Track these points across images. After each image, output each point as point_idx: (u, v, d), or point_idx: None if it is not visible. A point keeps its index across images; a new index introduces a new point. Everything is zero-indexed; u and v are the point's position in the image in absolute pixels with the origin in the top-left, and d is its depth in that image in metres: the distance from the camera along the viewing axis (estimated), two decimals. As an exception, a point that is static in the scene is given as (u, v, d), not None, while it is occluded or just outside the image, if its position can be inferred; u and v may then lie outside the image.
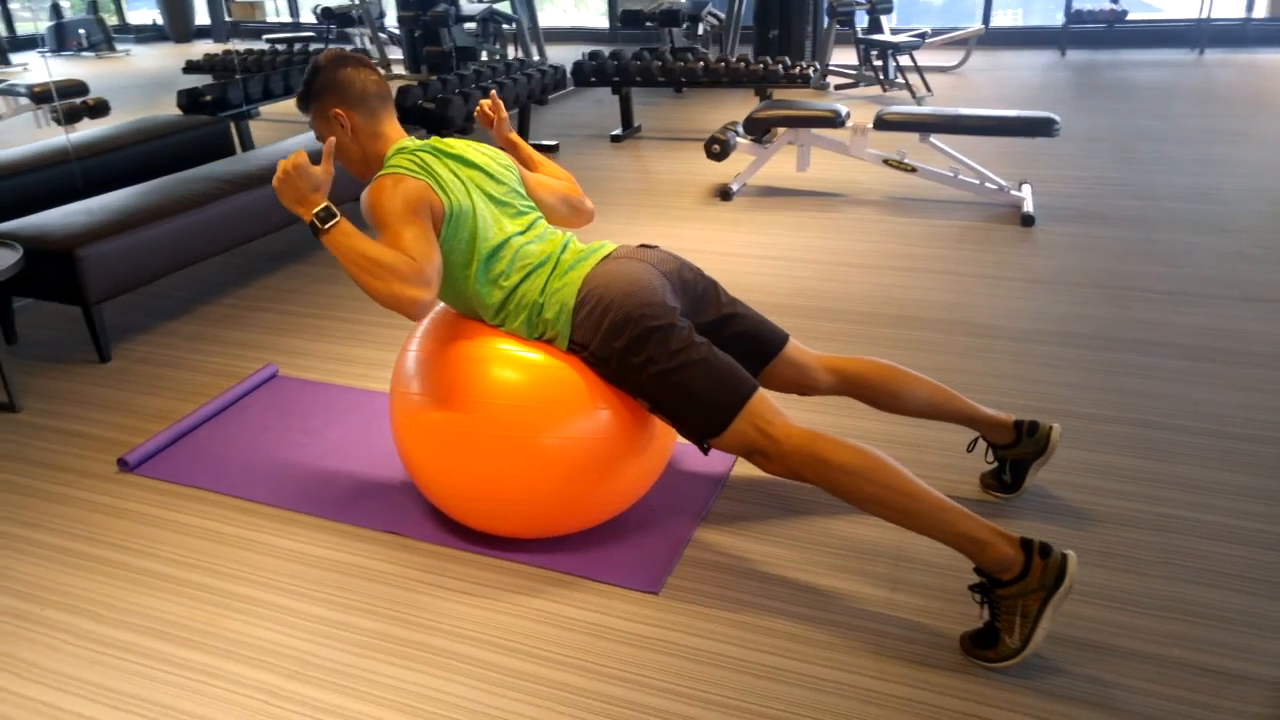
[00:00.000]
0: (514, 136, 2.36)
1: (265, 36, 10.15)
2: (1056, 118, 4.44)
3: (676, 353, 1.87)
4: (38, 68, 11.24)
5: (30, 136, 5.23)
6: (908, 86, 7.66)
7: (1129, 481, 2.27)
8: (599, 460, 1.96)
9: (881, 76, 7.94)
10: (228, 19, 12.37)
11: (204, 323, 3.45)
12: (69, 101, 6.40)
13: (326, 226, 1.79)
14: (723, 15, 9.13)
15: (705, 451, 1.90)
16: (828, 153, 5.76)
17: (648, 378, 1.88)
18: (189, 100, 5.47)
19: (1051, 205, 4.59)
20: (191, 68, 7.39)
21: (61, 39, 12.59)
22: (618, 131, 6.66)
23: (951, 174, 4.70)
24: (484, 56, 9.24)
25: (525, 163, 2.37)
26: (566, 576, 2.02)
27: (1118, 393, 2.70)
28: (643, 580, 1.99)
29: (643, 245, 2.13)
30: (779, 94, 7.69)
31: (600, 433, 1.95)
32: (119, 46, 12.91)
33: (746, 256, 3.97)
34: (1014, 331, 3.11)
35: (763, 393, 1.88)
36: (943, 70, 8.94)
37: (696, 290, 2.09)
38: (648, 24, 8.28)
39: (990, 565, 1.70)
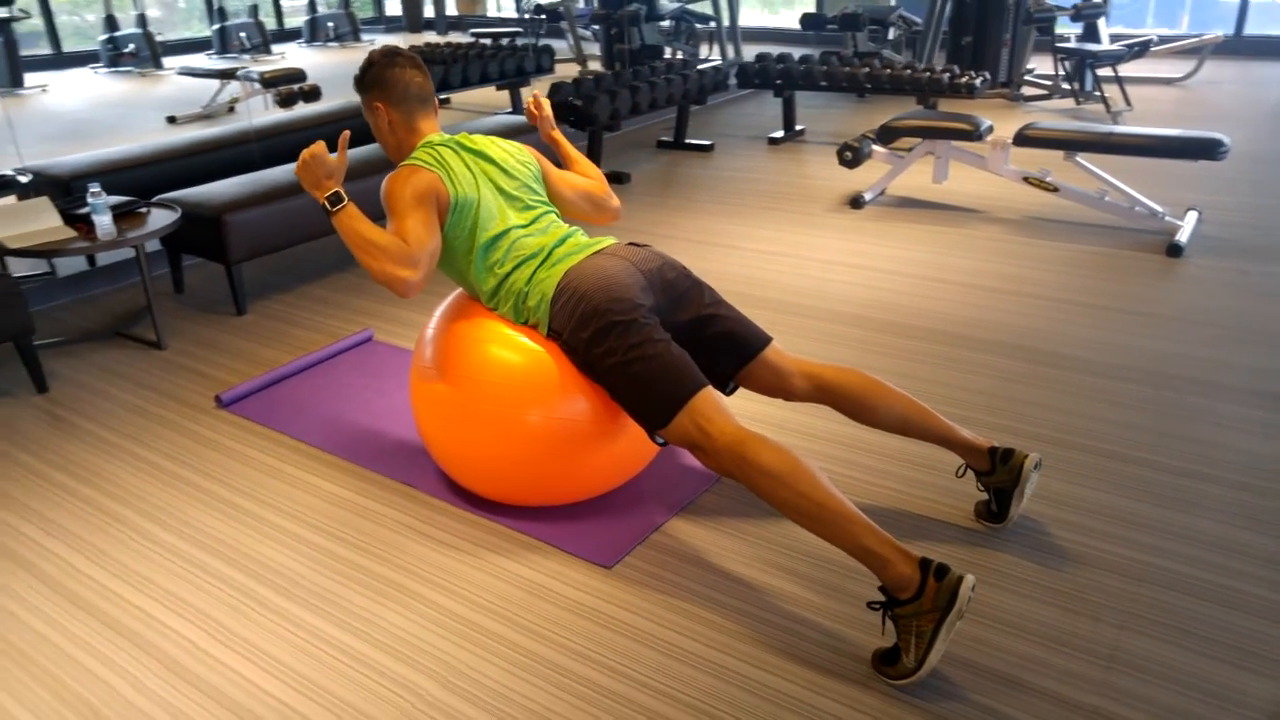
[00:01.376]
0: (555, 134, 2.55)
1: (471, 31, 10.89)
2: (1224, 139, 4.09)
3: (633, 346, 2.00)
4: (294, 56, 12.65)
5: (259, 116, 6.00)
6: (1104, 100, 7.17)
7: (1158, 534, 2.17)
8: (577, 441, 2.13)
9: (1076, 88, 7.48)
10: (450, 13, 13.34)
11: (332, 288, 3.90)
12: (288, 87, 7.24)
13: (335, 209, 2.06)
14: (918, 20, 8.89)
15: (657, 443, 2.02)
16: (968, 167, 5.56)
17: (606, 368, 2.02)
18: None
19: (1211, 236, 4.23)
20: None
21: (314, 31, 14.07)
22: (778, 134, 6.71)
23: (1098, 196, 4.44)
24: (670, 55, 9.49)
25: (562, 160, 2.56)
26: (536, 542, 2.21)
27: (1212, 446, 2.54)
28: (600, 555, 2.14)
29: (631, 244, 2.26)
30: (946, 105, 7.44)
31: (580, 416, 2.11)
32: (365, 36, 14.25)
33: (854, 266, 3.96)
34: (1136, 373, 2.95)
35: (708, 392, 1.97)
36: (1166, 83, 8.28)
37: (677, 289, 2.20)
38: (829, 27, 8.22)
39: (890, 583, 1.72)
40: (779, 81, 6.52)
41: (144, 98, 8.55)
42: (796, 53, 7.09)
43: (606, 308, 2.03)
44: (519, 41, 10.76)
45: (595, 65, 10.54)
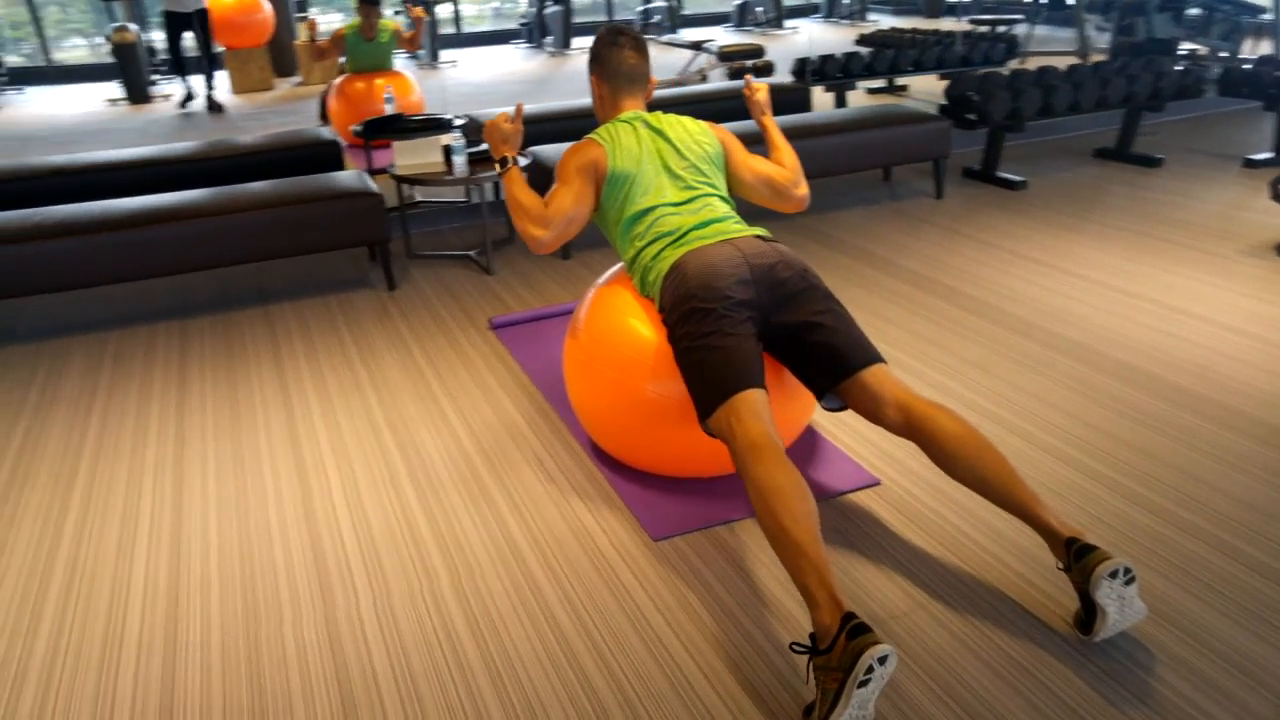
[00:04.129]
0: (765, 120, 2.58)
1: (970, 18, 10.40)
2: None
3: (704, 335, 2.02)
4: (804, 32, 13.27)
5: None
6: None
7: None
8: (684, 420, 2.20)
9: None
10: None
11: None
12: (739, 62, 7.73)
13: (501, 171, 2.37)
14: None
15: (706, 431, 2.04)
16: None
17: (680, 350, 2.08)
18: (798, 68, 6.26)
19: None
20: (863, 41, 8.17)
21: (831, 8, 14.56)
22: (1261, 155, 5.55)
23: None
24: (1189, 50, 8.16)
25: (767, 146, 2.58)
26: (614, 495, 2.35)
27: None
28: (654, 526, 2.22)
29: (757, 237, 2.23)
30: None
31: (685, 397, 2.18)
32: (871, 16, 14.42)
33: (1262, 340, 3.05)
34: None
35: (754, 393, 1.93)
36: None
37: (787, 289, 2.13)
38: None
39: (815, 629, 1.59)
40: (1273, 91, 5.37)
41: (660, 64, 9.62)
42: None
43: (695, 293, 2.08)
44: (1016, 29, 10.07)
45: (1100, 58, 9.46)
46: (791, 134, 4.46)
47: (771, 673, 1.77)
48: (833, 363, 2.09)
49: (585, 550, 2.16)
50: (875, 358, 2.09)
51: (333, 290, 3.89)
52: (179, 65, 8.83)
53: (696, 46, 8.38)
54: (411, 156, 4.05)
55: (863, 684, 1.50)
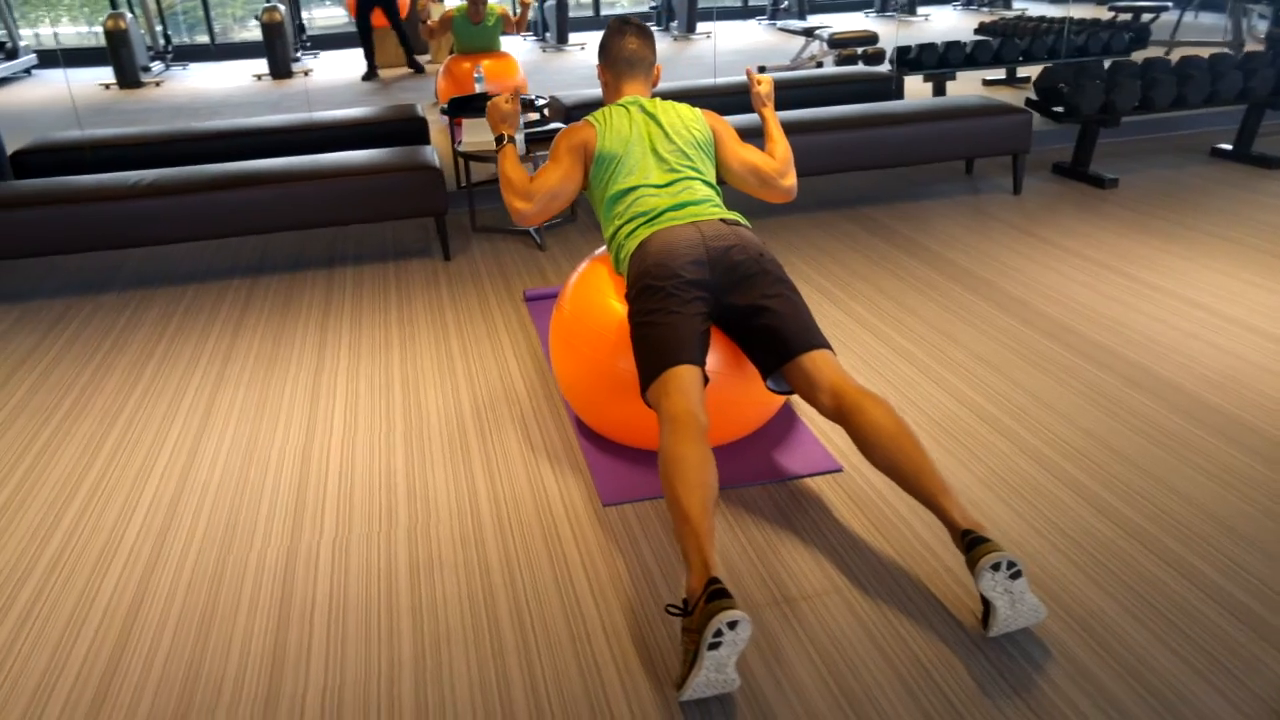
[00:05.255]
0: (763, 111, 2.61)
1: (1110, 5, 9.80)
2: None
3: (649, 312, 2.11)
4: (937, 19, 12.86)
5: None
6: None
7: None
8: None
9: None
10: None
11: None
12: (849, 49, 7.62)
13: (498, 147, 2.51)
14: None
15: (646, 403, 2.12)
16: None
17: (631, 326, 2.17)
18: (898, 57, 6.13)
19: None
20: (983, 29, 7.88)
21: (885, 1, 14.03)
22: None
23: None
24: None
25: (765, 135, 2.61)
26: (582, 462, 2.46)
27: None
28: (606, 492, 2.32)
29: (722, 220, 2.28)
30: None
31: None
32: (1016, 5, 13.77)
33: None
34: None
35: (685, 369, 2.01)
36: None
37: (739, 272, 2.18)
38: None
39: (686, 593, 1.66)
40: None
41: (776, 50, 9.66)
42: None
43: (650, 271, 2.17)
44: (1159, 18, 9.43)
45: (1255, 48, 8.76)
46: (857, 124, 4.42)
47: (667, 637, 1.85)
48: (775, 345, 2.13)
49: (538, 509, 2.29)
50: (818, 344, 2.11)
51: (395, 258, 4.15)
52: (368, 43, 9.40)
53: (809, 33, 8.29)
54: (478, 134, 4.26)
55: (713, 646, 1.56)
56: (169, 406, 2.88)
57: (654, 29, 13.68)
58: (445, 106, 4.96)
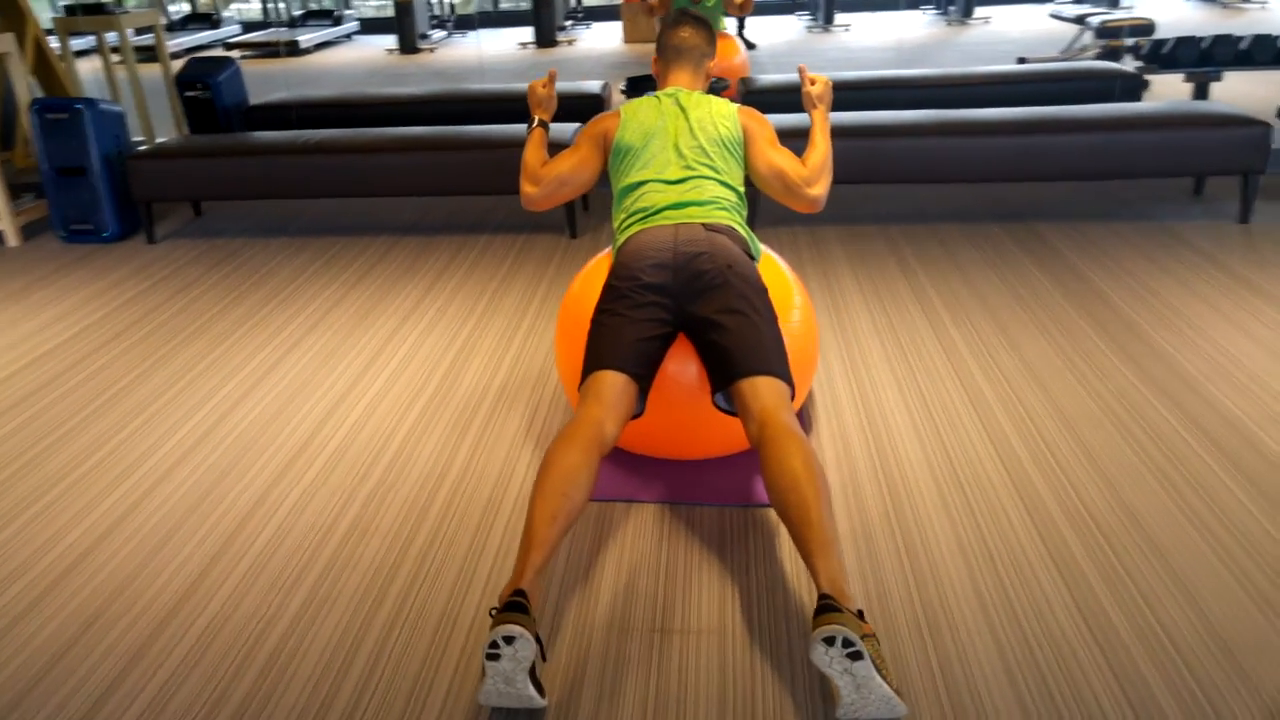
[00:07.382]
0: (813, 113, 2.41)
1: None
2: None
3: (600, 311, 2.12)
4: (1150, 8, 11.02)
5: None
6: None
7: None
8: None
9: None
10: None
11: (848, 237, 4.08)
12: (1116, 40, 6.79)
13: (529, 130, 2.52)
14: None
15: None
16: None
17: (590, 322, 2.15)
18: (1151, 54, 5.36)
19: None
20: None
21: None
22: None
23: None
24: None
25: (810, 136, 2.41)
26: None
27: None
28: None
29: (704, 224, 2.16)
30: None
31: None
32: None
33: None
34: None
35: (606, 375, 1.99)
36: None
37: (703, 281, 2.08)
38: None
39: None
40: None
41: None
42: None
43: (616, 270, 2.15)
44: None
45: None
46: (1040, 128, 3.94)
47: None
48: (721, 364, 2.02)
49: (492, 492, 2.32)
50: (763, 370, 1.96)
51: (530, 230, 4.30)
52: None
53: (1080, 21, 7.43)
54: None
55: (491, 657, 1.54)
56: (257, 346, 3.22)
57: (933, 12, 12.87)
58: (623, 86, 5.03)
